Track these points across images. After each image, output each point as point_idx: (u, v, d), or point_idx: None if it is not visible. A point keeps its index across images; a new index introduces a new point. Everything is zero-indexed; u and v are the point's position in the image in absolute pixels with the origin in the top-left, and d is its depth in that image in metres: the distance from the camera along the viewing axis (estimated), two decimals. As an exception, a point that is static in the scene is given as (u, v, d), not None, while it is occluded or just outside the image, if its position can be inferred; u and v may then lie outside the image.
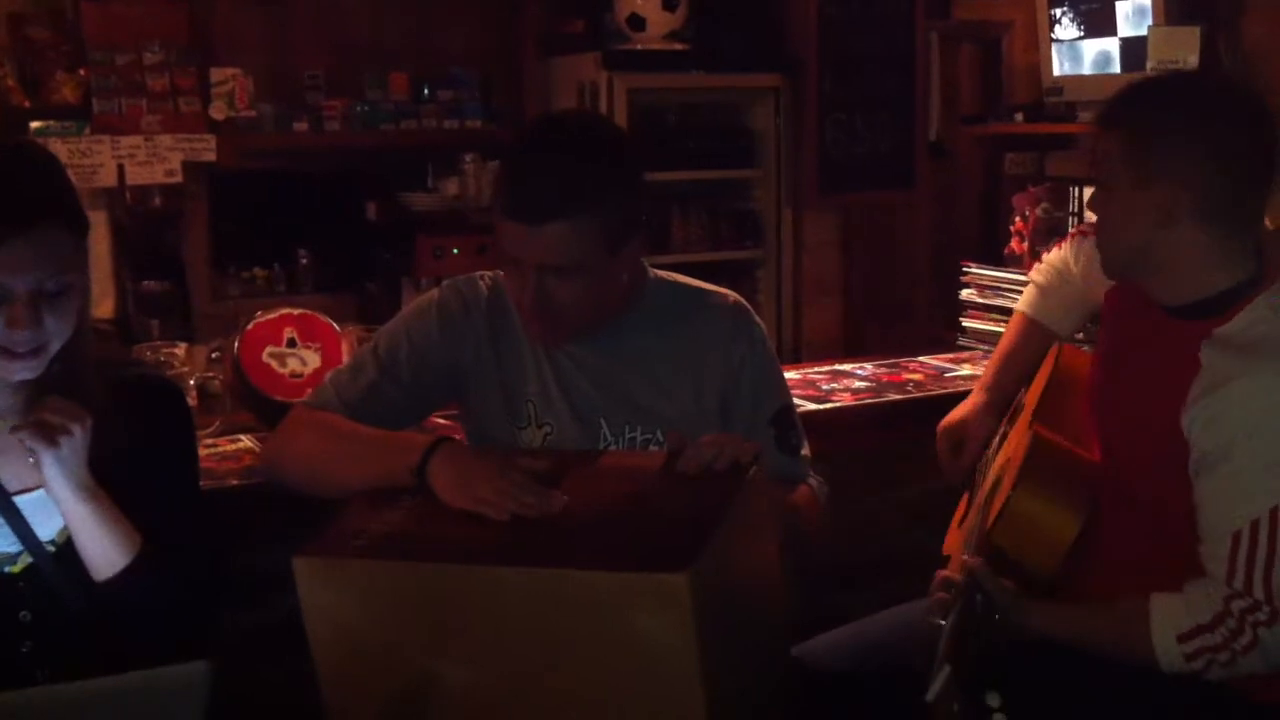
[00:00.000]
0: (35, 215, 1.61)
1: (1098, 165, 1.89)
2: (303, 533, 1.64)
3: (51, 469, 1.65)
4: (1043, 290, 2.36)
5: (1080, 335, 2.48)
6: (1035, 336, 2.33)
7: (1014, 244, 3.69)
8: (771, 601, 1.77)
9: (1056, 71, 4.28)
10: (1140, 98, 1.88)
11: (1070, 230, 2.59)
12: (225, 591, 1.85)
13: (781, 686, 1.79)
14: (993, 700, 1.65)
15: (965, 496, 2.28)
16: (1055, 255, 2.37)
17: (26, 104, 4.23)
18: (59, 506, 1.68)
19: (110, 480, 1.70)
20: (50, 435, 1.63)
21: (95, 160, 4.17)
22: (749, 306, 2.06)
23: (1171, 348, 1.83)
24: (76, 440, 1.64)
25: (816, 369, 3.20)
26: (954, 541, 2.20)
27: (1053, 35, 4.29)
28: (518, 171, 1.86)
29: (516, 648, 1.55)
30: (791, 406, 2.05)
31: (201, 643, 1.75)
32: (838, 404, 2.86)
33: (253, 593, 2.07)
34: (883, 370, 3.16)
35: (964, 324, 3.51)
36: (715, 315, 2.01)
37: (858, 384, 3.03)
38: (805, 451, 2.05)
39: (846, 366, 3.23)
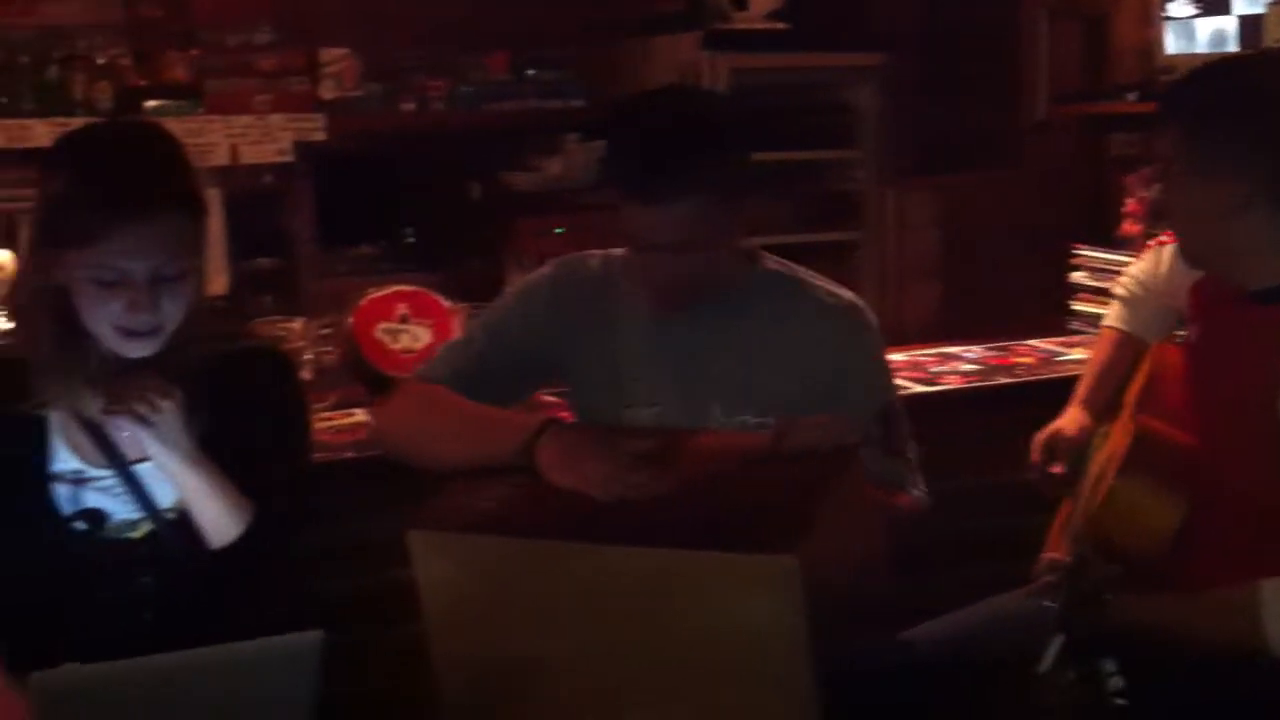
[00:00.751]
0: (156, 202, 1.64)
1: (1162, 158, 1.89)
2: (416, 504, 1.67)
3: (154, 446, 1.69)
4: (1128, 303, 2.37)
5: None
6: (1127, 349, 2.33)
7: (1127, 225, 3.63)
8: (868, 583, 1.76)
9: (1169, 50, 4.19)
10: (1192, 88, 1.87)
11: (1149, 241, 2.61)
12: (314, 560, 1.88)
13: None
14: (1109, 666, 1.65)
15: (1067, 502, 2.27)
16: (1137, 268, 2.39)
17: (141, 82, 4.33)
18: (170, 480, 1.72)
19: (219, 449, 1.73)
20: (145, 415, 1.66)
21: (208, 139, 4.24)
22: (863, 305, 2.04)
23: (1260, 333, 1.82)
24: (170, 415, 1.67)
25: (924, 351, 3.17)
26: (1057, 546, 2.19)
27: (1167, 13, 4.20)
28: (636, 151, 1.85)
29: (622, 626, 1.56)
30: (898, 408, 1.99)
31: (313, 609, 1.79)
32: (946, 386, 2.84)
33: (365, 561, 2.11)
34: (991, 353, 3.13)
35: (1074, 307, 3.46)
36: (827, 315, 2.00)
37: (966, 366, 3.01)
38: (911, 456, 1.99)
39: (955, 349, 3.20)
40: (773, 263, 2.03)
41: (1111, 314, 2.41)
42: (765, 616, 1.48)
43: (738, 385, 1.96)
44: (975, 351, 3.16)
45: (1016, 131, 5.02)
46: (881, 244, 5.04)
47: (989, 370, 2.97)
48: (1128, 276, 2.41)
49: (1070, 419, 2.28)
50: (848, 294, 2.05)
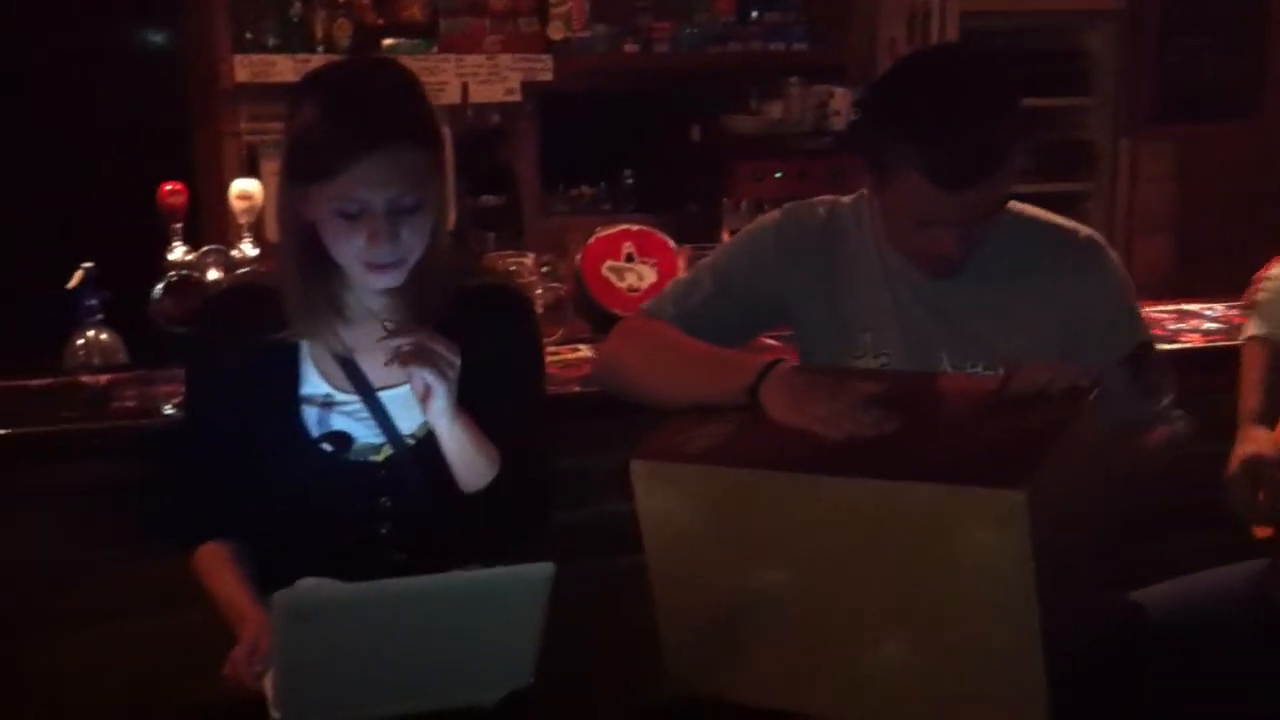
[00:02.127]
0: (393, 133, 1.68)
1: None
2: (638, 438, 1.70)
3: (439, 400, 1.71)
4: (1267, 308, 2.30)
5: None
6: (1276, 357, 2.26)
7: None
8: (1098, 530, 1.73)
9: None
10: None
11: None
12: (557, 490, 1.92)
13: (1100, 617, 1.76)
14: None
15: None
16: (1274, 271, 2.32)
17: (379, 21, 4.46)
18: (439, 435, 1.75)
19: (464, 385, 1.75)
20: (440, 368, 1.69)
21: (440, 78, 4.36)
22: (1101, 240, 1.98)
23: None
24: (455, 373, 1.71)
25: (1161, 308, 3.05)
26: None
27: None
28: (950, 138, 1.75)
29: (846, 558, 1.55)
30: (1150, 344, 1.95)
31: (538, 535, 1.85)
32: (1186, 345, 2.74)
33: (586, 495, 2.17)
34: (1234, 312, 2.99)
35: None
36: (1064, 250, 1.94)
37: (1208, 325, 2.89)
38: (1169, 396, 1.92)
39: (1194, 306, 3.07)
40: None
41: (1251, 324, 2.32)
42: (992, 551, 1.45)
43: (967, 335, 1.92)
44: (1217, 309, 3.02)
45: (1261, 80, 4.78)
46: (1113, 195, 4.88)
47: (1233, 329, 2.83)
48: (1264, 280, 2.32)
49: (1256, 439, 2.14)
50: (1084, 228, 1.99)
